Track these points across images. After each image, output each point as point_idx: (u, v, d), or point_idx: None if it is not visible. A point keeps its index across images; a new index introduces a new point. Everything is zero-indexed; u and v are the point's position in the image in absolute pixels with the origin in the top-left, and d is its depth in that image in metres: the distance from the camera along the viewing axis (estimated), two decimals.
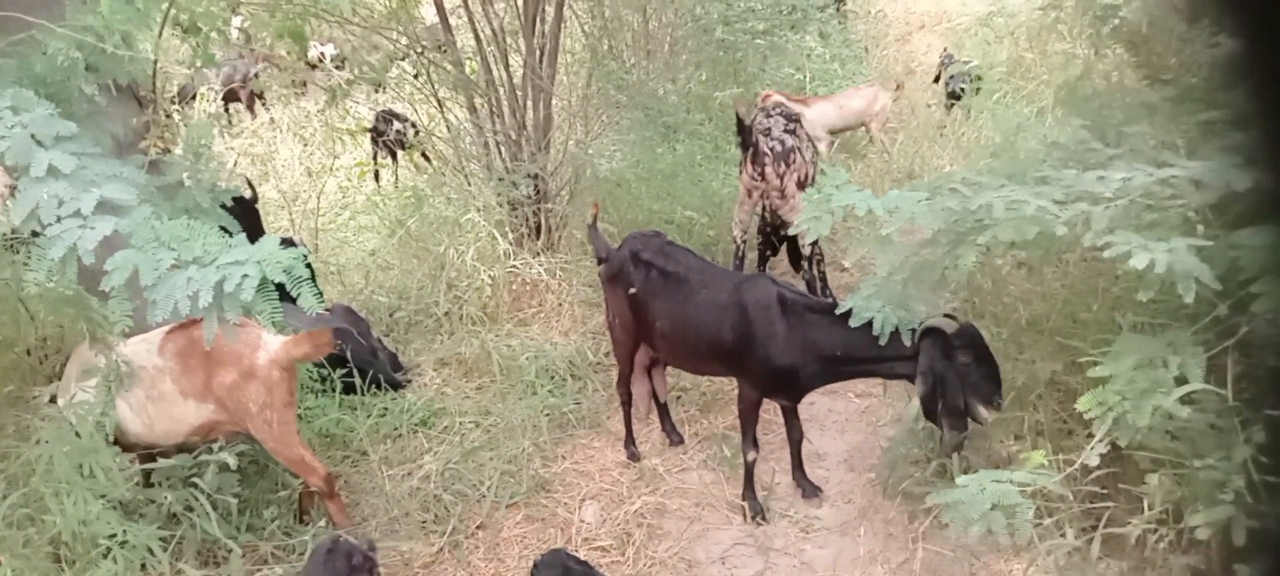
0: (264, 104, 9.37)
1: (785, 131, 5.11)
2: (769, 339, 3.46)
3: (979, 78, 7.89)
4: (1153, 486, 2.90)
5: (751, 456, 3.71)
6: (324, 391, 4.33)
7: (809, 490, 3.84)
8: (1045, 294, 4.20)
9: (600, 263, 4.20)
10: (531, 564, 3.43)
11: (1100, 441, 2.68)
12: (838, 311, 3.36)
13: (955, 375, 3.18)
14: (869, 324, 3.29)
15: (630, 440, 4.19)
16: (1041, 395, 3.62)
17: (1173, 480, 2.90)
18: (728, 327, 3.54)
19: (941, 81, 7.99)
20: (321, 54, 8.91)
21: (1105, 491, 3.06)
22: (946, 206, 2.82)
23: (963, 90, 7.88)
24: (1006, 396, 3.80)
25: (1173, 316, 2.93)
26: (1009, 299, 4.36)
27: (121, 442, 3.37)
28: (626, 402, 4.16)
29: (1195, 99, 3.21)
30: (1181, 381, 2.63)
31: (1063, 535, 3.05)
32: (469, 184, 5.86)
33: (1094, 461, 2.68)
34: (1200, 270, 2.42)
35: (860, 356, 3.36)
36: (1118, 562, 3.09)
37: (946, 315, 3.32)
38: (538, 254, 5.56)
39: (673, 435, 4.27)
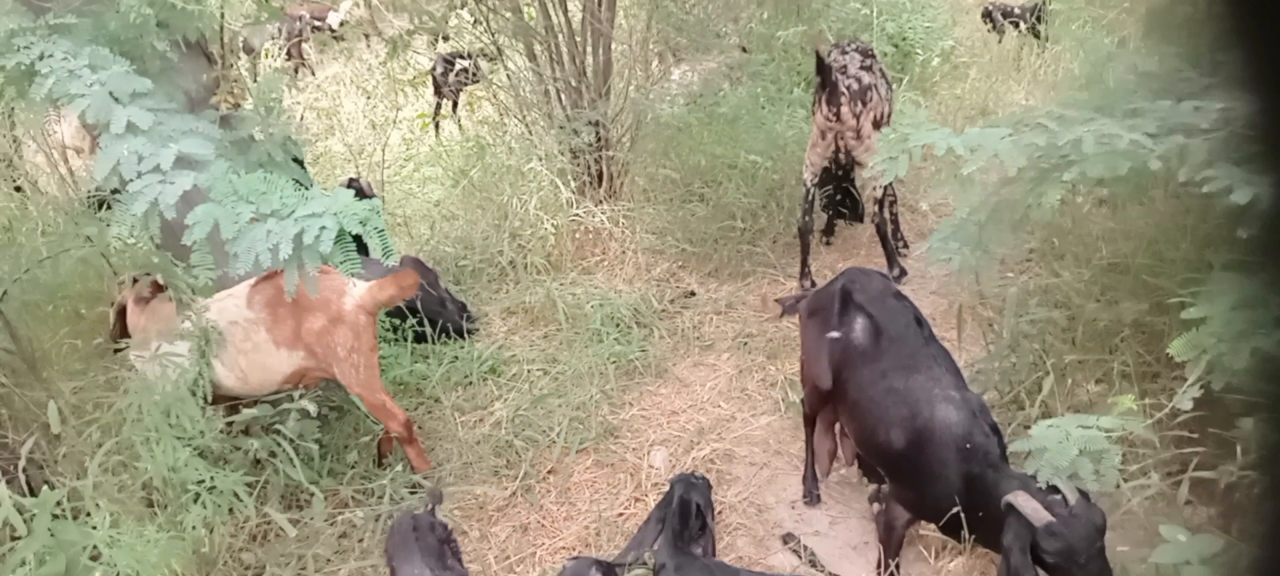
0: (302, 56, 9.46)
1: (862, 68, 4.89)
2: (935, 476, 2.77)
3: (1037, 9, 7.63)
4: (1246, 430, 2.78)
5: None
6: (396, 340, 4.42)
7: None
8: (1129, 232, 4.03)
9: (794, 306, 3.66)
10: (602, 508, 3.47)
11: (1193, 385, 2.57)
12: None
13: None
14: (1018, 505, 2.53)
15: (808, 477, 3.58)
16: (1125, 337, 3.49)
17: (1268, 424, 2.77)
18: (901, 434, 2.86)
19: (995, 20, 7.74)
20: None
21: (1194, 435, 2.95)
22: (1031, 142, 2.70)
23: (1015, 24, 7.64)
24: (1089, 338, 3.70)
25: (1269, 253, 2.78)
26: (1090, 238, 4.20)
27: (215, 397, 3.47)
28: (809, 440, 3.55)
29: None
30: None
31: (1148, 479, 2.95)
32: (530, 133, 5.84)
33: (1187, 405, 2.57)
34: None
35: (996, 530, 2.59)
36: (1206, 508, 2.99)
37: (1051, 487, 2.49)
38: (600, 202, 5.53)
39: (810, 493, 3.58)
